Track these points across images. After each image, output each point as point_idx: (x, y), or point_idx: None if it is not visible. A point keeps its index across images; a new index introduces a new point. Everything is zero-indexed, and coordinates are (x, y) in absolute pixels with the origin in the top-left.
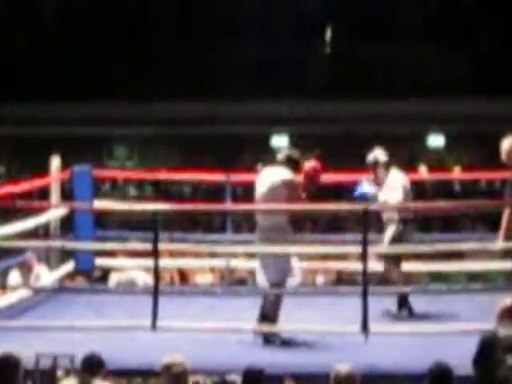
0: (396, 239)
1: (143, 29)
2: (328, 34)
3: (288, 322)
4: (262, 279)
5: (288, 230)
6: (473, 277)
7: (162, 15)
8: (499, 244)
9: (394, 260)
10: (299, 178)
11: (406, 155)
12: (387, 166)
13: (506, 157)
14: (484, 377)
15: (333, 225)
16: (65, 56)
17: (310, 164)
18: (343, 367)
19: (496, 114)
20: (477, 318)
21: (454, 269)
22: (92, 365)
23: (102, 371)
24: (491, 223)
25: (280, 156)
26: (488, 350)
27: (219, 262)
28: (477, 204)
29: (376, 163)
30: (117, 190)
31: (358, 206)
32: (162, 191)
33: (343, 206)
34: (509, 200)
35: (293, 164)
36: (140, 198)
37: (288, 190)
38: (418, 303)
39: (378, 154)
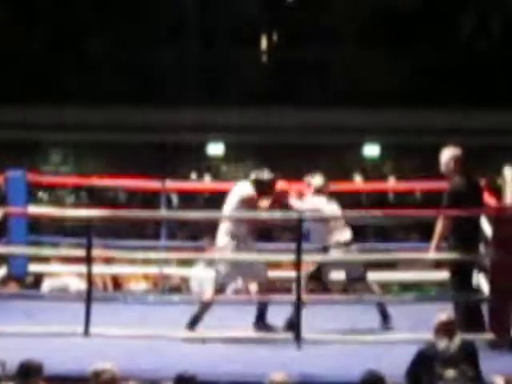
0: None
1: (82, 32)
2: (264, 41)
3: (222, 330)
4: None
5: (244, 239)
6: (406, 287)
7: (101, 18)
8: (432, 254)
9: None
10: (265, 199)
11: (342, 165)
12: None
13: (445, 168)
14: None
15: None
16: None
17: (279, 187)
18: (278, 376)
19: (433, 124)
20: (409, 329)
21: (387, 278)
22: (28, 371)
23: (39, 378)
24: (425, 233)
25: (251, 176)
26: (425, 362)
27: (153, 270)
28: (409, 213)
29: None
30: (52, 195)
31: (292, 215)
32: (97, 197)
33: (277, 215)
34: (442, 211)
35: (259, 185)
36: (76, 204)
37: (245, 206)
38: (352, 313)
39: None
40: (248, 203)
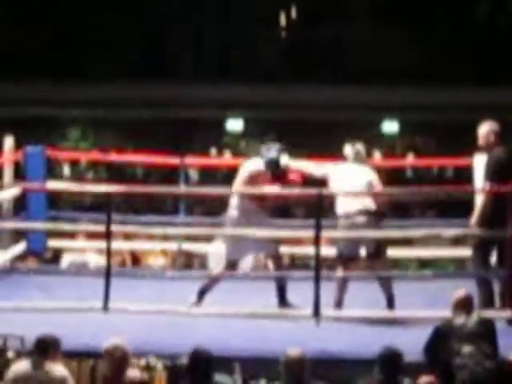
0: None
1: (99, 8)
2: (282, 18)
3: (239, 306)
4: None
5: (254, 213)
6: (423, 263)
7: None
8: (452, 231)
9: None
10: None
11: (361, 142)
12: None
13: (485, 141)
14: (436, 363)
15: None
16: (15, 36)
17: (293, 176)
18: (293, 351)
19: (452, 101)
20: (427, 305)
21: (404, 255)
22: (46, 346)
23: (57, 353)
24: (441, 210)
25: (262, 151)
26: (443, 338)
27: (171, 245)
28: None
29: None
30: (71, 171)
31: (312, 191)
32: (116, 173)
33: (296, 191)
34: (468, 188)
35: (273, 167)
36: (94, 179)
37: (252, 182)
38: (368, 289)
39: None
40: (255, 179)
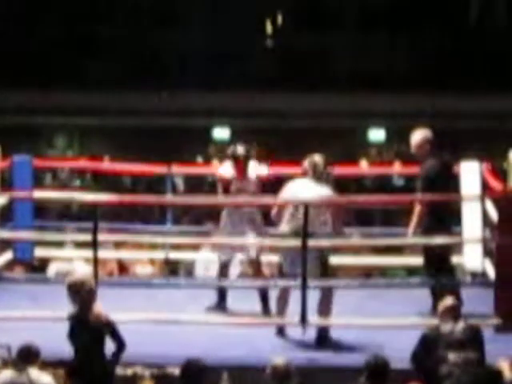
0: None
1: (88, 15)
2: (269, 26)
3: (229, 315)
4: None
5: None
6: (411, 271)
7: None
8: (441, 239)
9: None
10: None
11: (346, 149)
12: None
13: (419, 150)
14: (423, 371)
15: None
16: (2, 42)
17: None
18: (279, 360)
19: (439, 108)
20: (414, 313)
21: (392, 263)
22: (27, 354)
23: (38, 361)
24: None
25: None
26: (430, 346)
27: (159, 254)
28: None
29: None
30: (57, 180)
31: (298, 200)
32: (102, 181)
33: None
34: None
35: (234, 161)
36: (80, 187)
37: (220, 186)
38: (357, 297)
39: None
40: (220, 182)
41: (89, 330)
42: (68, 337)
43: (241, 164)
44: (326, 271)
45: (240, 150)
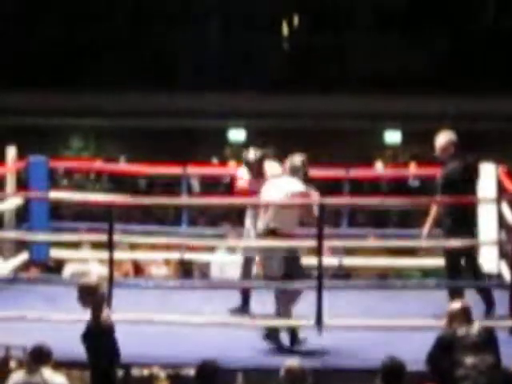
0: None
1: (103, 16)
2: (285, 27)
3: (243, 316)
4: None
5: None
6: (426, 273)
7: (120, 3)
8: (455, 242)
9: None
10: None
11: (362, 151)
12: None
13: (443, 152)
14: (438, 374)
15: None
16: (19, 43)
17: None
18: (293, 362)
19: (454, 111)
20: (430, 314)
21: (408, 264)
22: (39, 355)
23: (50, 361)
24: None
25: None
26: (446, 348)
27: (174, 255)
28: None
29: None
30: (73, 180)
31: (314, 201)
32: (117, 182)
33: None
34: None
35: (247, 166)
36: (97, 189)
37: None
38: (372, 298)
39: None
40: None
41: (99, 333)
42: (82, 339)
43: (253, 169)
44: (294, 270)
45: (251, 155)
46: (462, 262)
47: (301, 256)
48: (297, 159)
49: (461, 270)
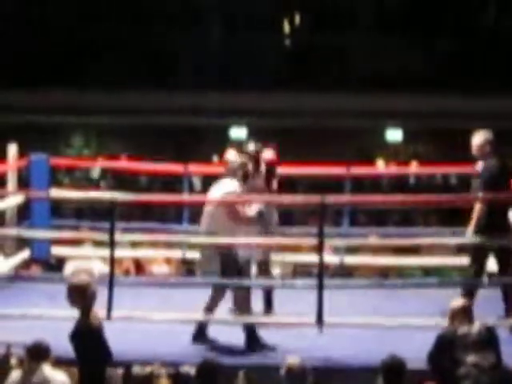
0: None
1: (101, 14)
2: (286, 25)
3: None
4: None
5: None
6: (428, 271)
7: (120, 3)
8: (457, 239)
9: None
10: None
11: (363, 149)
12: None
13: (480, 151)
14: (439, 372)
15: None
16: (20, 42)
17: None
18: (294, 360)
19: (454, 109)
20: (431, 313)
21: (409, 263)
22: (38, 351)
23: (49, 357)
24: (444, 217)
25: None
26: (447, 347)
27: (175, 253)
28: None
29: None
30: (74, 179)
31: (315, 198)
32: (118, 180)
33: (299, 199)
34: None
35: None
36: (98, 186)
37: None
38: (374, 297)
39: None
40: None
41: (87, 333)
42: (70, 338)
43: (252, 161)
44: (229, 270)
45: (251, 147)
46: (491, 259)
47: (236, 256)
48: (232, 157)
49: (484, 268)
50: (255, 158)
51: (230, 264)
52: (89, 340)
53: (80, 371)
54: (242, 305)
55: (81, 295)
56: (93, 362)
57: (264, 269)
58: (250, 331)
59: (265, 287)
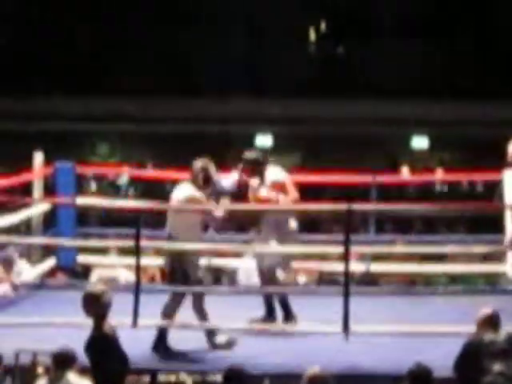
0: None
1: (127, 24)
2: (312, 33)
3: (270, 322)
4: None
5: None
6: (454, 279)
7: (148, 8)
8: (483, 248)
9: None
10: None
11: (389, 157)
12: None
13: None
14: (465, 380)
15: (309, 225)
16: (48, 50)
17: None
18: (316, 369)
19: (481, 117)
20: (457, 321)
21: (435, 271)
22: (64, 359)
23: (75, 365)
24: (470, 225)
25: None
26: (473, 355)
27: (202, 261)
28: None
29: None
30: (101, 187)
31: (341, 206)
32: (145, 188)
33: (325, 206)
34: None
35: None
36: (126, 195)
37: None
38: (400, 304)
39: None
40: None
41: (102, 344)
42: (85, 349)
43: (247, 170)
44: (183, 277)
45: (252, 154)
46: None
47: (195, 261)
48: (197, 165)
49: None
50: (255, 165)
51: (177, 270)
52: (103, 349)
53: (95, 380)
54: (200, 309)
55: (95, 304)
56: (108, 372)
57: (269, 277)
58: (161, 333)
59: (278, 295)
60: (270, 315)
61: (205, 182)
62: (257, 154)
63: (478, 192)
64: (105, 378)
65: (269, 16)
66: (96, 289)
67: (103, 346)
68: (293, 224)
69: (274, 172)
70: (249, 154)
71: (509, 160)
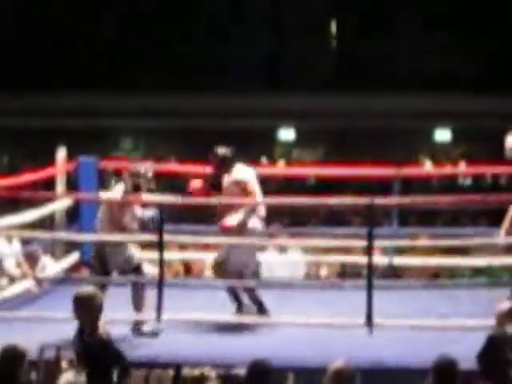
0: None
1: (149, 20)
2: (334, 28)
3: (295, 315)
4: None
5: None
6: (478, 271)
7: (166, 6)
8: (504, 239)
9: None
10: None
11: (412, 150)
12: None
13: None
14: (490, 373)
15: (332, 218)
16: (68, 46)
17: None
18: (341, 363)
19: (503, 110)
20: (481, 314)
21: (458, 263)
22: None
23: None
24: (493, 217)
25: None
26: (496, 348)
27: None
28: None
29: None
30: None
31: (364, 200)
32: (166, 183)
33: (347, 200)
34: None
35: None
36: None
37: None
38: (424, 298)
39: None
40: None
41: (97, 346)
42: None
43: (215, 165)
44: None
45: (221, 150)
46: None
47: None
48: (139, 167)
49: None
50: (222, 161)
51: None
52: (98, 352)
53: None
54: (140, 300)
55: (82, 307)
56: (106, 374)
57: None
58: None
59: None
60: (239, 308)
61: (134, 189)
62: (226, 150)
63: (501, 184)
64: (106, 380)
65: (291, 11)
66: (84, 291)
67: (98, 349)
68: (256, 224)
69: (241, 170)
70: (219, 150)
71: (506, 154)
